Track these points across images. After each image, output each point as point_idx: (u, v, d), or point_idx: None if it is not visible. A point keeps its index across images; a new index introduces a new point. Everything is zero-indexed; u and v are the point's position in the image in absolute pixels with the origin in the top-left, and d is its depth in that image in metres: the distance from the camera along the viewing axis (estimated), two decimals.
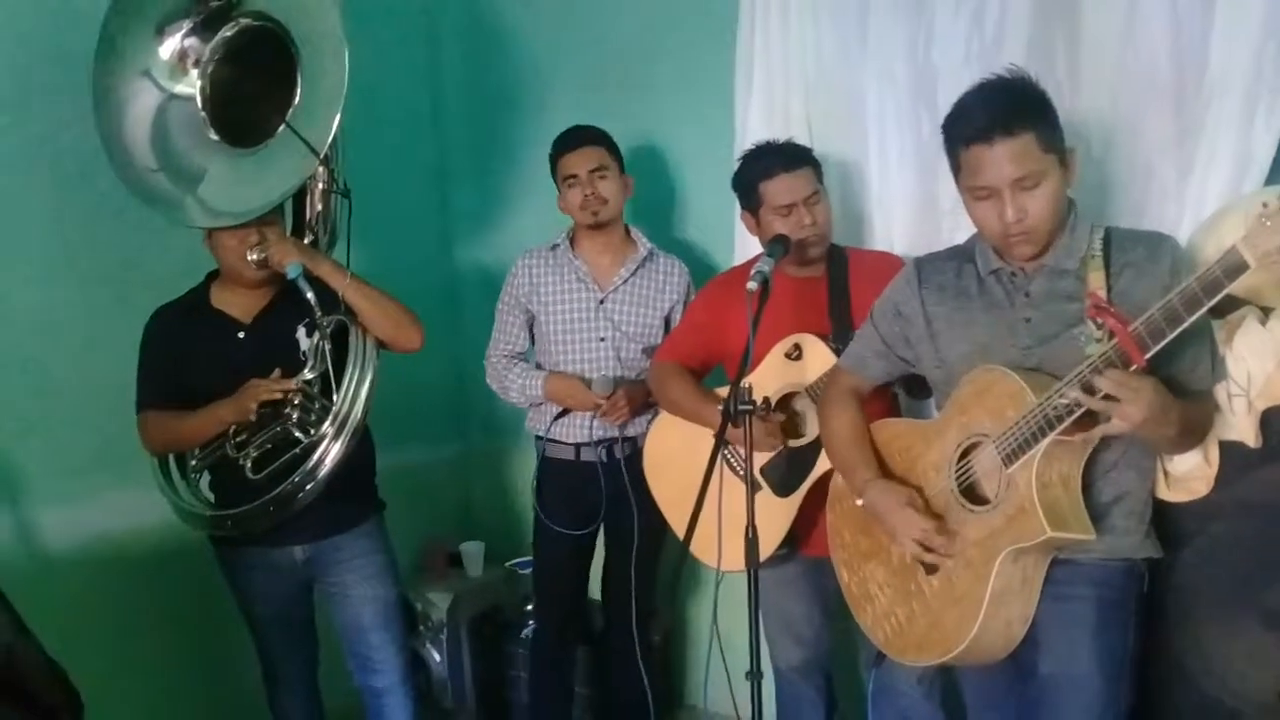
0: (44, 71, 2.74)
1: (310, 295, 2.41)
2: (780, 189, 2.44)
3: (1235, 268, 1.59)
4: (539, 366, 3.01)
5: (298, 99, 2.40)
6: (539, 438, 3.02)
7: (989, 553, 1.87)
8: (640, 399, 2.85)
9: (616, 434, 2.92)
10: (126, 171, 2.50)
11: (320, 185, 2.57)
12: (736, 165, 2.58)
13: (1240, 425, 1.96)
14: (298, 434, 2.41)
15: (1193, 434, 1.90)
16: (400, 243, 3.59)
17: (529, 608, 3.53)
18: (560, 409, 2.93)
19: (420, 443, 3.76)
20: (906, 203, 2.70)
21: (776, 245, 2.34)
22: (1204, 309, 1.63)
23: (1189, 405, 1.84)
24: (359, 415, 2.45)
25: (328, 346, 2.45)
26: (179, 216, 2.50)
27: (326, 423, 2.42)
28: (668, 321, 2.98)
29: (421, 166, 3.94)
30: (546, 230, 3.08)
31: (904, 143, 2.67)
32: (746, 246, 2.88)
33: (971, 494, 1.95)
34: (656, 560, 2.96)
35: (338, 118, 2.33)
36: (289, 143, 2.38)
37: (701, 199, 3.33)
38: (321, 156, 2.37)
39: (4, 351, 2.70)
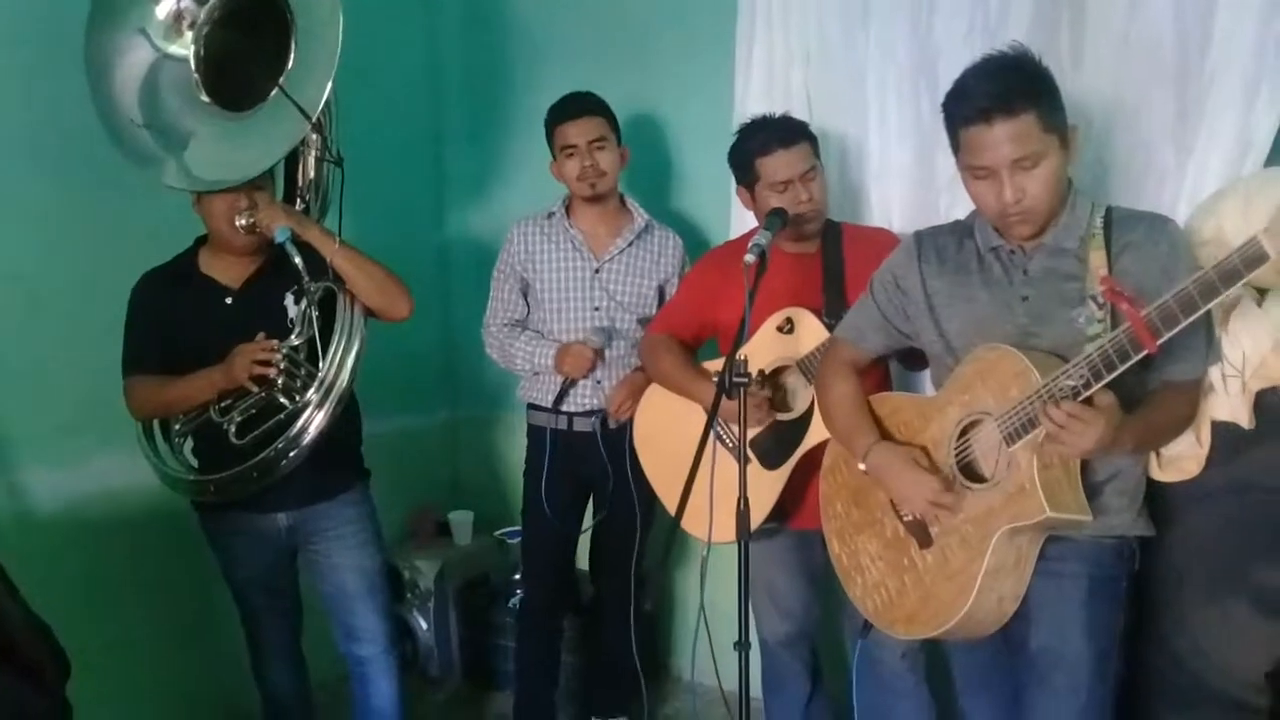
0: (40, 34, 2.70)
1: (298, 260, 2.39)
2: (777, 165, 2.43)
3: (1255, 258, 1.57)
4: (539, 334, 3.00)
5: (291, 63, 2.36)
6: (531, 406, 3.02)
7: (985, 530, 1.87)
8: (642, 387, 2.83)
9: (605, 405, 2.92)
10: (109, 120, 2.46)
11: (313, 152, 2.53)
12: (733, 140, 2.56)
13: (1234, 406, 1.97)
14: (282, 399, 2.39)
15: (1158, 437, 1.94)
16: (393, 211, 3.57)
17: (516, 576, 3.54)
18: (564, 384, 2.91)
19: (410, 411, 3.76)
20: (905, 178, 2.70)
21: (774, 218, 2.33)
22: (1220, 298, 1.62)
23: (1153, 410, 1.86)
24: (344, 383, 2.43)
25: (314, 313, 2.43)
26: (156, 175, 2.45)
27: (311, 390, 2.40)
28: (661, 293, 2.98)
29: (416, 135, 3.91)
30: (540, 200, 3.06)
31: (904, 118, 2.67)
32: (742, 220, 2.87)
33: (969, 472, 1.96)
34: (648, 531, 2.97)
35: (330, 82, 2.30)
36: (280, 108, 2.34)
37: (699, 171, 3.32)
38: (313, 121, 2.34)
39: None
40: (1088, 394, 1.74)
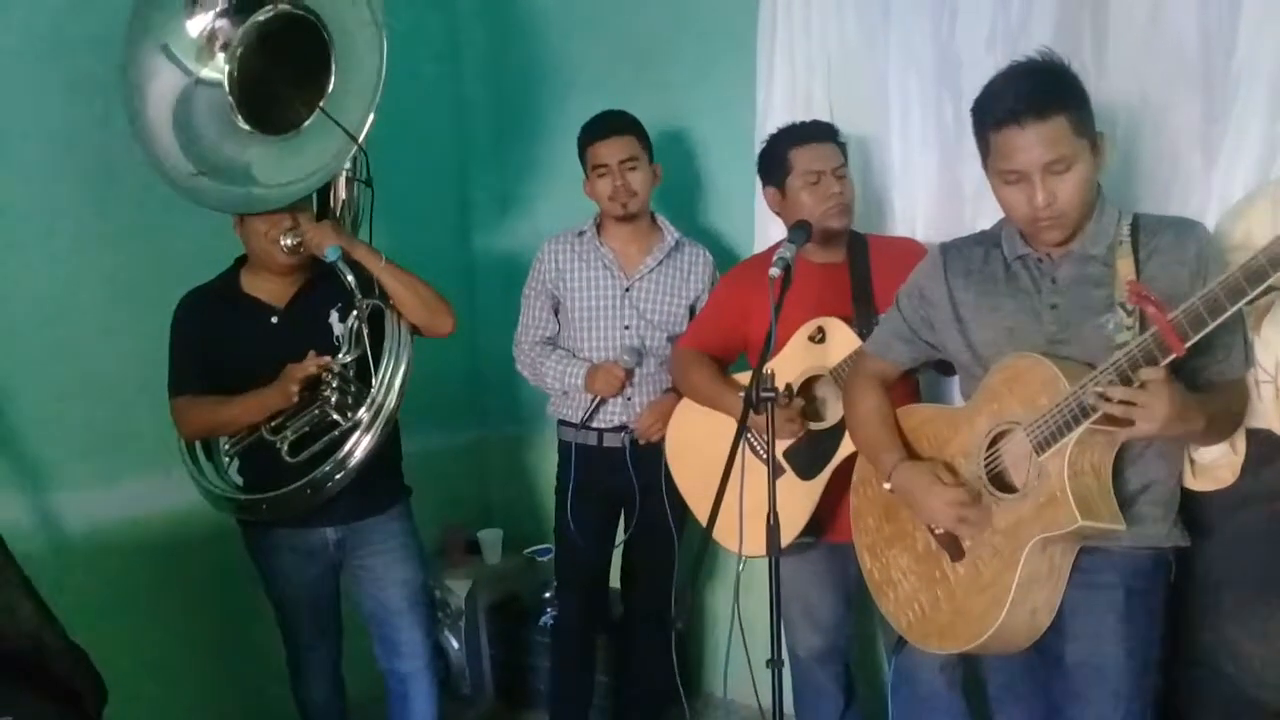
0: (75, 56, 2.73)
1: (350, 278, 2.43)
2: (811, 155, 2.47)
3: None
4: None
5: (331, 87, 2.40)
6: (561, 423, 3.03)
7: (1017, 541, 1.86)
8: (671, 410, 2.83)
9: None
10: (178, 186, 2.49)
11: (344, 173, 2.56)
12: (762, 145, 2.58)
13: (1267, 413, 1.94)
14: (335, 416, 2.42)
15: (1223, 425, 1.88)
16: (418, 231, 3.58)
17: (547, 595, 3.54)
18: (594, 403, 2.91)
19: (439, 429, 3.75)
20: (929, 188, 2.69)
21: (799, 231, 2.34)
22: (1247, 299, 1.61)
23: (1213, 397, 1.82)
24: (393, 403, 2.47)
25: (366, 330, 2.46)
26: (244, 206, 2.48)
27: (363, 409, 2.43)
28: (692, 310, 2.97)
29: (441, 153, 3.92)
30: (565, 218, 3.07)
31: (927, 127, 2.67)
32: (767, 233, 2.88)
33: (999, 482, 1.94)
34: (677, 547, 2.96)
35: (376, 105, 2.32)
36: (320, 131, 2.38)
37: (723, 184, 3.32)
38: (360, 144, 2.36)
39: (27, 335, 2.69)
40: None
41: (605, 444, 2.95)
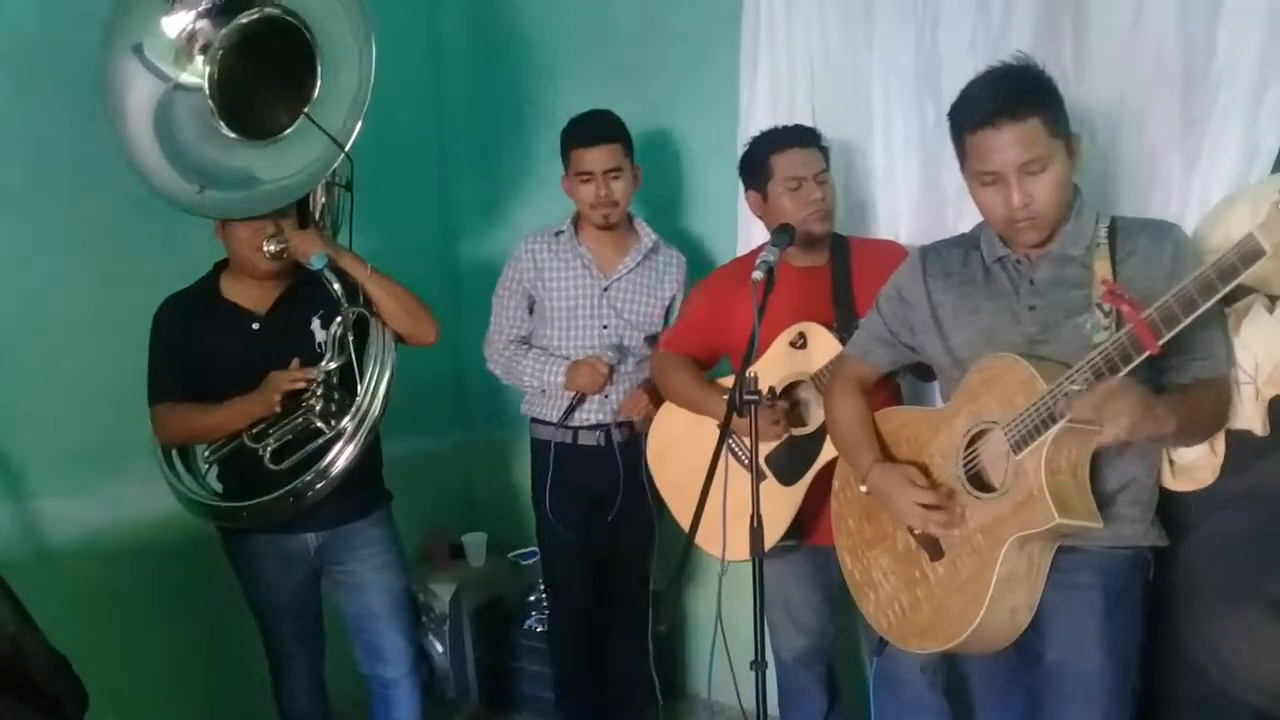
0: (59, 64, 2.71)
1: (336, 286, 2.43)
2: (792, 161, 2.47)
3: (1251, 254, 1.59)
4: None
5: (317, 93, 2.38)
6: (535, 421, 3.03)
7: (995, 539, 1.86)
8: (655, 393, 2.84)
9: (612, 419, 2.92)
10: (172, 198, 2.47)
11: (325, 178, 2.53)
12: (744, 148, 2.59)
13: (1247, 413, 1.95)
14: (319, 424, 2.41)
15: (1199, 425, 1.88)
16: (401, 234, 3.57)
17: (532, 599, 3.55)
18: (576, 399, 2.91)
19: (422, 433, 3.74)
20: (911, 190, 2.70)
21: (782, 234, 2.35)
22: (1219, 295, 1.63)
23: (1185, 398, 1.83)
24: (377, 412, 2.46)
25: (351, 338, 2.46)
26: (244, 211, 2.45)
27: (347, 417, 2.42)
28: (668, 311, 2.99)
29: (423, 157, 3.92)
30: (550, 219, 3.07)
31: (909, 130, 2.68)
32: (749, 236, 2.88)
33: (978, 481, 1.95)
34: (654, 547, 2.96)
35: (363, 113, 2.31)
36: (305, 135, 2.37)
37: (705, 188, 3.32)
38: (347, 151, 2.35)
39: (10, 339, 2.67)
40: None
41: (581, 442, 2.95)
